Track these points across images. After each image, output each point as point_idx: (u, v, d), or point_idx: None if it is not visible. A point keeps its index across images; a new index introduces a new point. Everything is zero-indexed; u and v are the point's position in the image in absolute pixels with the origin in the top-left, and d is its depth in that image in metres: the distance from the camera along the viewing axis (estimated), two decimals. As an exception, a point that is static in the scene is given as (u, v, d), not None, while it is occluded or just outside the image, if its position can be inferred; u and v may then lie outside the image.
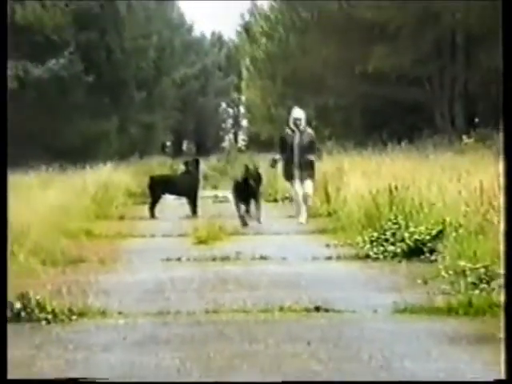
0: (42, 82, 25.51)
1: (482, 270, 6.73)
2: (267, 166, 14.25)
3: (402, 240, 8.99)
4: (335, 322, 5.84)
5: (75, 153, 24.96)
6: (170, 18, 46.66)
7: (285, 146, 12.97)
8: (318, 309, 6.19)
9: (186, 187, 14.79)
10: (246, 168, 13.04)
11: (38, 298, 6.11)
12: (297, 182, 12.84)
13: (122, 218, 14.54)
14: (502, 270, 5.04)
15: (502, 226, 4.26)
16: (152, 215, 14.52)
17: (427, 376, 4.55)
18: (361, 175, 13.15)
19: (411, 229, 9.09)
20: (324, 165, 15.18)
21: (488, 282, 6.51)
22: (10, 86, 22.98)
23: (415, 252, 8.75)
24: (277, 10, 31.46)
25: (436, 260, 8.16)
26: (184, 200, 15.03)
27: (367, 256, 8.98)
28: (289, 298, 6.44)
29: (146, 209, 14.82)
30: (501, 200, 7.03)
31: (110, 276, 8.05)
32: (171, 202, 15.86)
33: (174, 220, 13.91)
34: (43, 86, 25.52)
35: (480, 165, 11.49)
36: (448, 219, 8.78)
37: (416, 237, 8.84)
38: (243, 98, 48.27)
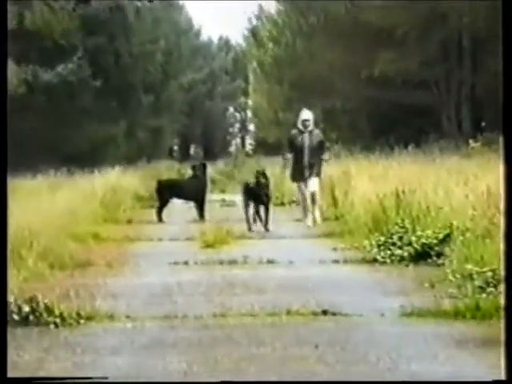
0: (50, 86, 25.62)
1: (489, 274, 6.73)
2: (274, 170, 14.27)
3: (409, 244, 9.00)
4: (342, 326, 5.85)
5: (83, 157, 25.06)
6: (178, 23, 46.76)
7: (294, 147, 12.97)
8: (325, 312, 6.20)
9: (194, 191, 14.82)
10: (258, 173, 12.93)
11: (46, 301, 6.13)
12: (304, 183, 12.85)
13: (129, 221, 14.59)
14: (502, 272, 5.05)
15: (501, 229, 4.26)
16: (160, 219, 14.55)
17: (434, 379, 4.56)
18: (368, 179, 13.16)
19: (418, 233, 9.09)
20: (331, 169, 15.19)
21: (495, 286, 6.51)
22: (19, 91, 23.12)
23: (422, 256, 8.76)
24: (284, 15, 31.50)
25: (443, 264, 8.16)
26: (191, 204, 15.07)
27: (374, 260, 8.99)
28: (296, 302, 6.45)
29: (153, 213, 14.85)
30: (501, 203, 7.04)
31: (118, 280, 8.07)
32: (179, 206, 15.89)
33: (181, 224, 13.95)
34: (52, 90, 25.63)
35: (487, 169, 11.47)
36: (455, 223, 8.78)
37: (423, 240, 8.84)
38: (250, 102, 48.34)
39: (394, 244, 9.26)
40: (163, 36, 35.62)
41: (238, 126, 58.07)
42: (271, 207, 12.89)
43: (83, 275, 8.32)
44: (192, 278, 8.06)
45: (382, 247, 9.30)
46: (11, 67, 21.95)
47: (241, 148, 52.63)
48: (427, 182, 11.25)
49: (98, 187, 17.01)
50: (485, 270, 6.84)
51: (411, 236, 9.13)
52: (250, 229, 12.35)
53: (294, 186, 13.61)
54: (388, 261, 8.89)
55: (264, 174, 12.80)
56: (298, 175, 12.93)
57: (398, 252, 9.00)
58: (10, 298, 5.96)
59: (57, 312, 6.07)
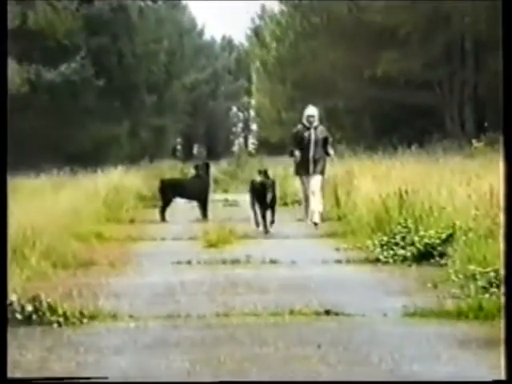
0: (53, 86, 25.66)
1: (492, 274, 6.73)
2: (276, 169, 14.25)
3: (412, 244, 9.00)
4: (345, 326, 5.86)
5: (86, 156, 25.09)
6: (181, 23, 46.79)
7: (299, 142, 12.93)
8: (327, 312, 6.20)
9: (197, 191, 14.83)
10: (259, 172, 12.88)
11: (49, 300, 6.14)
12: (308, 178, 12.85)
13: (132, 221, 14.59)
14: (502, 271, 5.05)
15: (501, 229, 4.27)
16: (162, 218, 14.56)
17: (436, 379, 4.56)
18: (371, 179, 13.15)
19: (421, 233, 9.09)
20: (334, 168, 15.19)
21: (498, 286, 6.50)
22: (22, 90, 23.14)
23: (425, 256, 8.75)
24: (287, 14, 31.53)
25: (446, 264, 8.16)
26: (194, 203, 15.08)
27: (377, 260, 8.99)
28: (299, 302, 6.45)
29: (156, 212, 14.86)
30: (501, 203, 7.04)
31: (121, 279, 8.08)
32: (182, 206, 15.90)
33: (184, 223, 13.95)
34: (55, 90, 25.67)
35: (490, 169, 11.46)
36: (458, 223, 8.77)
37: (426, 240, 8.84)
38: (253, 101, 48.38)
39: (396, 244, 9.26)
40: (166, 36, 35.66)
41: (240, 125, 58.11)
42: (276, 207, 12.91)
43: (86, 274, 8.33)
44: (195, 277, 8.07)
45: (384, 247, 9.30)
46: (14, 66, 21.99)
47: (244, 148, 52.64)
48: (430, 182, 11.25)
49: (101, 187, 17.02)
50: (488, 270, 6.84)
51: (414, 236, 9.12)
52: (257, 225, 12.32)
53: (298, 181, 13.63)
54: (391, 261, 8.89)
55: (266, 173, 12.79)
56: (303, 170, 12.92)
57: (401, 252, 8.99)
58: (13, 297, 5.97)
59: (60, 311, 6.08)
